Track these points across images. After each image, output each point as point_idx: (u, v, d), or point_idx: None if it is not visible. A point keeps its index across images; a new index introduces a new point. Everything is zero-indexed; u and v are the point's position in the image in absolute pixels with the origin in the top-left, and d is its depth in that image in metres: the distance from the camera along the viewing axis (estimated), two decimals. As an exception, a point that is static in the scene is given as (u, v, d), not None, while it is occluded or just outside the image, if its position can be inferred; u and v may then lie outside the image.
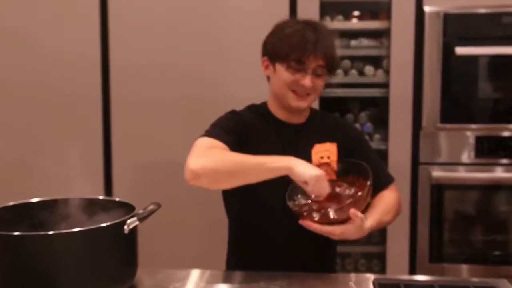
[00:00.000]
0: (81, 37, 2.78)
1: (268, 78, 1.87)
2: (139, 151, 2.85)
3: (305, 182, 1.58)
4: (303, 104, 1.80)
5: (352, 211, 1.59)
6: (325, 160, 1.72)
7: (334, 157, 1.73)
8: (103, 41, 2.79)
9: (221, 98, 2.77)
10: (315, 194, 1.62)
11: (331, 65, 1.76)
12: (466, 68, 2.74)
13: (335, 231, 1.61)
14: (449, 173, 2.77)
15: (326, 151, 1.74)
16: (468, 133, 2.75)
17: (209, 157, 1.63)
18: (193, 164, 1.60)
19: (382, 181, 1.88)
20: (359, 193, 1.63)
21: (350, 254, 3.06)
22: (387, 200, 1.85)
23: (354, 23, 2.92)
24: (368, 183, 1.65)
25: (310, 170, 1.58)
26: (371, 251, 3.00)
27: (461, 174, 2.77)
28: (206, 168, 1.59)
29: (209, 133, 1.75)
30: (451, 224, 2.85)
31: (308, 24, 1.77)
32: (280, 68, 1.76)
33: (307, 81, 1.75)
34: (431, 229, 2.82)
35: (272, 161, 1.61)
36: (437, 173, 2.76)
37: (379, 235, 2.93)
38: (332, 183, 1.70)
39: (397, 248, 2.84)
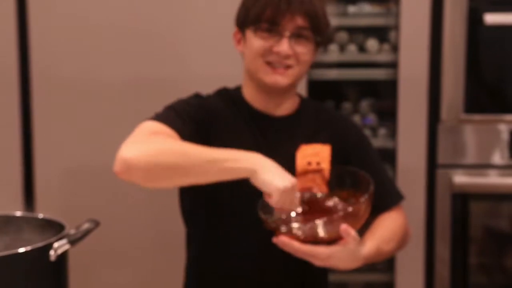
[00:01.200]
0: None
1: (242, 55, 1.87)
2: (71, 151, 2.83)
3: (269, 194, 1.59)
4: (281, 79, 1.81)
5: (344, 226, 1.61)
6: (314, 166, 1.73)
7: (325, 163, 1.74)
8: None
9: (180, 78, 2.76)
10: (280, 210, 1.63)
11: (315, 26, 1.77)
12: (498, 42, 2.75)
13: (319, 253, 1.61)
14: (476, 179, 2.79)
15: (316, 155, 1.75)
16: (501, 127, 2.77)
17: (148, 145, 1.63)
18: (125, 151, 1.61)
19: (387, 200, 1.91)
20: (356, 205, 1.64)
21: (348, 285, 3.07)
22: (390, 225, 1.87)
23: (353, -17, 2.93)
24: (368, 193, 1.65)
25: (278, 180, 1.59)
26: (376, 280, 3.01)
27: (492, 179, 2.79)
28: (140, 158, 1.59)
29: (158, 117, 1.77)
30: (478, 245, 2.88)
31: None
32: (250, 35, 1.80)
33: (283, 46, 1.76)
34: (452, 251, 2.83)
35: (231, 158, 1.61)
36: (461, 178, 2.78)
37: (385, 259, 2.94)
38: (320, 197, 1.71)
39: (409, 276, 2.85)
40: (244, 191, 1.64)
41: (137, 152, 1.60)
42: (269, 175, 1.59)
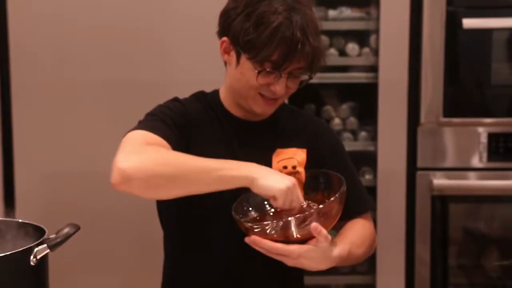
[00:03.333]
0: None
1: (225, 63, 1.85)
2: (51, 156, 2.81)
3: (273, 197, 1.59)
4: (269, 109, 1.81)
5: (314, 225, 1.59)
6: (290, 170, 1.73)
7: (301, 167, 1.74)
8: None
9: (165, 81, 2.75)
10: (286, 209, 1.62)
11: (313, 67, 1.76)
12: (476, 46, 2.77)
13: (290, 251, 1.60)
14: (455, 181, 2.80)
15: (291, 159, 1.74)
16: (480, 130, 2.78)
17: (145, 155, 1.62)
18: (123, 162, 1.59)
19: (358, 206, 1.90)
20: (328, 203, 1.63)
21: (329, 287, 3.06)
22: (361, 230, 1.86)
23: (333, -13, 2.92)
24: (340, 192, 1.65)
25: (279, 182, 1.59)
26: (357, 282, 3.01)
27: (471, 182, 2.81)
28: (140, 169, 1.58)
29: (144, 125, 1.75)
30: (458, 246, 2.89)
31: (294, 9, 1.72)
32: (248, 66, 1.74)
33: (280, 86, 1.74)
34: (432, 252, 2.85)
35: (228, 167, 1.61)
36: (440, 181, 2.79)
37: (367, 261, 2.93)
38: None
39: (390, 278, 2.86)
40: (221, 193, 1.64)
41: (135, 163, 1.59)
42: (268, 179, 1.59)
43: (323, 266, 1.65)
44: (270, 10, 1.71)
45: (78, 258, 2.73)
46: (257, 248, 1.62)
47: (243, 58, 1.74)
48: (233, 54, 1.77)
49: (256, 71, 1.72)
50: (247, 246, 1.63)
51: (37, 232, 1.60)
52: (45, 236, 1.56)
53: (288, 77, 1.74)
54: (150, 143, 1.67)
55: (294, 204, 1.62)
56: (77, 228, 1.59)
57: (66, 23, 2.76)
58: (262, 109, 1.80)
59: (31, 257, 1.51)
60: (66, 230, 1.57)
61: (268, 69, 1.71)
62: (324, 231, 1.61)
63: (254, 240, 1.61)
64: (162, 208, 1.92)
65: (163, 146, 1.68)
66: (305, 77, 1.78)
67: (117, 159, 1.60)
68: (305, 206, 1.69)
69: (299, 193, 1.63)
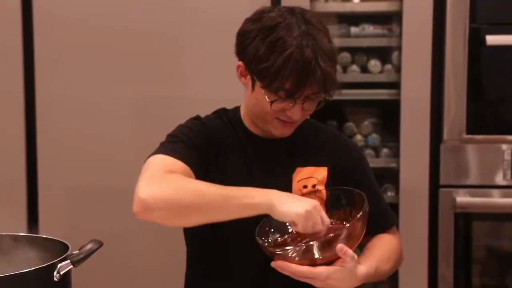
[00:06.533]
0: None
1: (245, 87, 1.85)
2: (74, 171, 2.83)
3: (293, 222, 1.59)
4: (288, 131, 1.81)
5: (340, 246, 1.59)
6: (310, 189, 1.74)
7: (321, 185, 1.75)
8: (25, 28, 2.79)
9: (185, 98, 2.77)
10: (308, 234, 1.62)
11: (328, 90, 1.75)
12: (500, 63, 2.75)
13: (318, 274, 1.60)
14: (479, 199, 2.78)
15: (311, 178, 1.74)
16: (503, 147, 2.77)
17: (166, 185, 1.63)
18: (143, 192, 1.61)
19: (383, 222, 1.89)
20: (351, 224, 1.62)
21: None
22: (387, 245, 1.86)
23: (356, 4, 2.93)
24: (363, 210, 1.64)
25: (297, 207, 1.59)
26: (379, 300, 2.99)
27: (495, 199, 2.79)
28: (160, 199, 1.60)
29: (166, 149, 1.75)
30: (481, 265, 2.86)
31: (306, 35, 1.71)
32: (262, 93, 1.74)
33: (296, 111, 1.74)
34: (456, 271, 2.82)
35: (247, 195, 1.61)
36: (463, 198, 2.77)
37: (388, 280, 2.92)
38: None
39: (413, 297, 2.84)
40: (242, 223, 1.64)
41: (155, 193, 1.60)
42: (287, 205, 1.59)
43: (350, 285, 1.64)
44: (283, 37, 1.70)
45: (101, 275, 2.73)
46: (284, 272, 1.61)
47: (257, 85, 1.74)
48: (249, 78, 1.78)
49: (270, 98, 1.71)
50: (270, 268, 1.63)
51: (61, 248, 1.61)
52: (69, 252, 1.57)
53: (304, 102, 1.73)
54: (171, 170, 1.67)
55: (317, 227, 1.61)
56: (100, 244, 1.60)
57: (88, 44, 2.80)
58: (281, 132, 1.80)
59: (55, 273, 1.51)
60: (89, 246, 1.59)
61: (282, 98, 1.71)
62: (350, 251, 1.60)
63: (281, 265, 1.61)
64: (187, 230, 1.92)
65: (184, 171, 1.69)
66: (321, 99, 1.77)
67: (138, 188, 1.61)
68: (332, 226, 1.68)
69: (323, 215, 1.62)
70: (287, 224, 1.68)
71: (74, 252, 1.57)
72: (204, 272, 1.89)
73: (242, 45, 1.77)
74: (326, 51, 1.71)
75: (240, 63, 1.79)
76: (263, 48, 1.71)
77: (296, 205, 1.59)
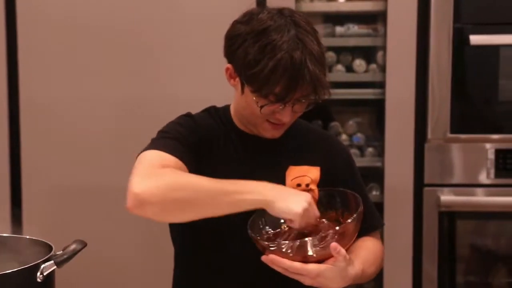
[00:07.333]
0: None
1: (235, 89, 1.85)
2: (58, 171, 2.82)
3: (290, 220, 1.60)
4: (278, 133, 1.82)
5: (334, 244, 1.59)
6: (303, 188, 1.73)
7: (315, 184, 1.74)
8: (8, 27, 2.78)
9: (167, 98, 2.76)
10: (302, 228, 1.63)
11: (317, 92, 1.74)
12: (483, 63, 2.76)
13: (309, 270, 1.59)
14: (463, 197, 2.79)
15: (305, 176, 1.74)
16: (487, 146, 2.77)
17: (160, 179, 1.61)
18: (137, 186, 1.59)
19: (369, 224, 1.89)
20: (348, 221, 1.62)
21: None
22: (372, 248, 1.86)
23: (341, 3, 2.93)
24: (358, 211, 1.64)
25: (296, 205, 1.59)
26: (364, 299, 2.99)
27: (478, 198, 2.79)
28: (154, 194, 1.58)
29: (157, 144, 1.74)
30: (465, 263, 2.87)
31: (296, 40, 1.70)
32: (252, 97, 1.74)
33: (285, 114, 1.74)
34: (440, 269, 2.83)
35: (243, 190, 1.60)
36: (447, 197, 2.78)
37: (374, 278, 2.92)
38: None
39: (397, 295, 2.85)
40: (236, 215, 1.63)
41: (150, 187, 1.58)
42: (284, 202, 1.59)
43: (339, 285, 1.63)
44: (272, 42, 1.69)
45: (85, 275, 2.73)
46: (275, 267, 1.60)
47: (247, 89, 1.74)
48: (238, 81, 1.77)
49: (259, 102, 1.71)
50: (260, 267, 1.62)
51: (44, 249, 1.60)
52: (52, 253, 1.56)
53: (293, 104, 1.73)
54: (164, 165, 1.66)
55: (310, 222, 1.62)
56: (84, 244, 1.59)
57: (74, 46, 2.79)
58: (271, 134, 1.80)
59: (38, 273, 1.50)
60: (73, 246, 1.57)
61: (272, 101, 1.71)
62: (343, 251, 1.60)
63: (272, 259, 1.60)
64: (173, 228, 1.91)
65: (177, 166, 1.68)
66: (310, 101, 1.77)
67: (132, 183, 1.60)
68: (323, 224, 1.68)
69: (315, 210, 1.64)
70: (281, 221, 1.68)
71: (57, 253, 1.56)
72: (192, 270, 1.88)
73: (231, 48, 1.76)
74: (315, 54, 1.71)
75: (229, 65, 1.78)
76: (252, 53, 1.69)
77: (294, 203, 1.59)
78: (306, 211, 1.59)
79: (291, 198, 1.61)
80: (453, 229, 2.84)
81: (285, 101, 1.70)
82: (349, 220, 1.62)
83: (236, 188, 1.60)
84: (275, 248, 1.60)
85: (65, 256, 1.54)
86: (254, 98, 1.72)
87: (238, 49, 1.73)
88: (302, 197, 1.62)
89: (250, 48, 1.70)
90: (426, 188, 2.80)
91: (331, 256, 1.60)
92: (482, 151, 2.77)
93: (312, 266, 1.59)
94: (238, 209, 1.60)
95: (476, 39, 2.70)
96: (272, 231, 1.71)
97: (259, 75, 1.68)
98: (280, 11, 1.75)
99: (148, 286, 2.79)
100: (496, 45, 2.74)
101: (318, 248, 1.59)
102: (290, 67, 1.66)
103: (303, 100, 1.74)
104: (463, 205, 2.79)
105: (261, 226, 1.71)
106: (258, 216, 1.70)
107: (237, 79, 1.76)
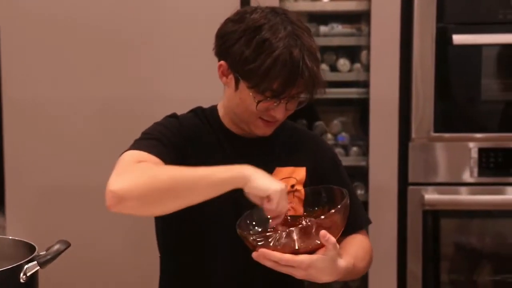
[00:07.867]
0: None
1: (225, 87, 1.85)
2: (42, 171, 2.81)
3: (267, 198, 1.58)
4: (269, 131, 1.82)
5: (323, 232, 1.58)
6: (288, 189, 1.73)
7: (300, 185, 1.74)
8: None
9: (151, 98, 2.76)
10: (275, 214, 1.62)
11: (311, 90, 1.75)
12: (466, 62, 2.77)
13: (300, 262, 1.58)
14: (447, 196, 2.80)
15: (290, 178, 1.74)
16: (470, 145, 2.79)
17: (135, 173, 1.61)
18: (114, 184, 1.58)
19: (357, 222, 1.89)
20: (332, 211, 1.62)
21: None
22: (361, 244, 1.86)
23: (325, 3, 2.93)
24: (342, 203, 1.64)
25: (274, 183, 1.59)
26: (349, 297, 3.00)
27: (462, 197, 2.81)
28: (131, 188, 1.57)
29: (138, 145, 1.74)
30: (449, 261, 2.88)
31: (293, 36, 1.71)
32: (248, 94, 1.74)
33: (279, 112, 1.75)
34: (424, 267, 2.84)
35: (220, 170, 1.59)
36: (431, 196, 2.79)
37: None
38: (296, 219, 1.70)
39: (382, 293, 2.85)
40: (221, 212, 1.63)
41: (126, 183, 1.57)
42: (263, 180, 1.59)
43: (331, 277, 1.62)
44: (270, 38, 1.69)
45: (68, 276, 2.72)
46: (265, 262, 1.58)
47: (242, 85, 1.73)
48: (231, 77, 1.77)
49: (256, 97, 1.71)
50: (249, 269, 1.62)
51: (28, 249, 1.59)
52: (35, 253, 1.56)
53: (287, 101, 1.74)
54: (141, 162, 1.65)
55: (283, 210, 1.61)
56: (68, 244, 1.59)
57: (58, 44, 2.77)
58: (263, 131, 1.80)
59: (21, 274, 1.50)
60: (56, 247, 1.57)
61: (268, 97, 1.71)
62: (333, 239, 1.58)
63: (263, 253, 1.58)
64: (160, 230, 1.90)
65: (157, 164, 1.67)
66: (304, 98, 1.77)
67: (109, 182, 1.59)
68: (309, 221, 1.68)
69: (287, 200, 1.63)
70: (269, 217, 1.67)
71: (41, 253, 1.56)
72: (179, 275, 1.88)
73: (224, 45, 1.76)
74: (312, 51, 1.72)
75: (222, 62, 1.77)
76: (250, 49, 1.70)
77: (272, 181, 1.60)
78: (282, 192, 1.58)
79: (269, 178, 1.61)
80: (437, 228, 2.85)
81: (281, 97, 1.71)
82: (332, 211, 1.62)
83: (213, 171, 1.59)
84: (263, 242, 1.59)
85: (48, 257, 1.54)
86: (250, 94, 1.72)
87: (233, 46, 1.73)
88: (279, 181, 1.62)
89: (246, 45, 1.70)
90: (410, 187, 2.81)
91: (320, 247, 1.59)
92: (466, 150, 2.79)
93: (303, 257, 1.58)
94: (217, 190, 1.58)
95: (459, 38, 2.71)
96: (260, 231, 1.70)
97: (258, 70, 1.68)
98: (273, 10, 1.77)
99: (132, 287, 2.79)
100: (478, 45, 2.75)
101: (304, 238, 1.58)
102: (289, 63, 1.67)
103: (300, 96, 1.75)
104: (447, 203, 2.80)
105: (250, 227, 1.71)
106: (247, 217, 1.70)
107: (230, 76, 1.76)
